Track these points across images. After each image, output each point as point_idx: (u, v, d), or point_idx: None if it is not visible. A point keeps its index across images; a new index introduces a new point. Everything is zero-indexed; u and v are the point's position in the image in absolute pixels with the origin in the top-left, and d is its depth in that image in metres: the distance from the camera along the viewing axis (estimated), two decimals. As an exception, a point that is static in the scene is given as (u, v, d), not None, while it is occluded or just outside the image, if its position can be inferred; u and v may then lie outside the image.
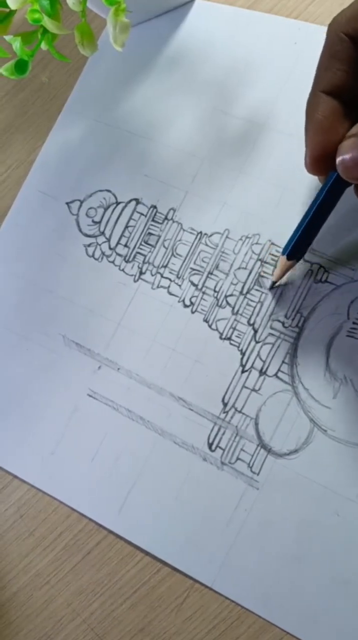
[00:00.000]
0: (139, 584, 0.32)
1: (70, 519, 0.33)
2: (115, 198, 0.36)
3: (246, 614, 0.30)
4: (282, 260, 0.31)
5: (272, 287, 0.32)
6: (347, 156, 0.25)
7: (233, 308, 0.33)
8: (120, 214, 0.36)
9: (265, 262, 0.33)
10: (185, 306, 0.34)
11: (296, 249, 0.30)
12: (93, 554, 0.33)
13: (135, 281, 0.35)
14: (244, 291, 0.33)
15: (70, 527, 0.33)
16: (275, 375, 0.31)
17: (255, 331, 0.32)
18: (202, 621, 0.30)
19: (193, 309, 0.34)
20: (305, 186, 0.33)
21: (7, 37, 0.31)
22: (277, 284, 0.32)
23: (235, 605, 0.30)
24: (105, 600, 0.32)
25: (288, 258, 0.30)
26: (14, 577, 0.34)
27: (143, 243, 0.35)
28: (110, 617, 0.32)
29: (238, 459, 0.31)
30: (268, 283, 0.32)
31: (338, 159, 0.26)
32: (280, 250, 0.32)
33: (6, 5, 0.29)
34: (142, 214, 0.36)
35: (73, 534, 0.33)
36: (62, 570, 0.33)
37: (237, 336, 0.32)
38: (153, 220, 0.35)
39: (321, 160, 0.27)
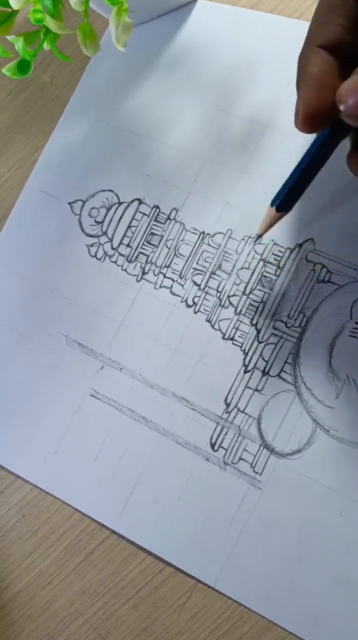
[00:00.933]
0: (141, 584, 0.32)
1: (72, 519, 0.33)
2: (118, 198, 0.36)
3: (249, 614, 0.30)
4: (270, 211, 0.30)
5: (257, 239, 0.32)
6: (351, 101, 0.23)
7: (236, 308, 0.33)
8: (123, 214, 0.36)
9: (268, 262, 0.33)
10: (188, 306, 0.34)
11: (285, 201, 0.29)
12: (95, 554, 0.33)
13: (137, 281, 0.35)
14: (247, 291, 0.33)
15: (73, 527, 0.33)
16: (278, 375, 0.31)
17: (258, 331, 0.32)
18: (205, 621, 0.30)
19: (196, 309, 0.34)
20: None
21: (10, 37, 0.31)
22: (263, 236, 0.31)
23: (237, 605, 0.30)
24: (108, 600, 0.32)
25: (277, 210, 0.29)
26: (17, 577, 0.34)
27: (145, 243, 0.35)
28: (113, 617, 0.32)
29: (240, 459, 0.31)
30: (271, 283, 0.32)
31: (342, 106, 0.23)
32: (283, 251, 0.32)
33: (8, 5, 0.29)
34: (144, 214, 0.36)
35: (75, 534, 0.33)
36: (64, 570, 0.33)
37: (239, 336, 0.32)
38: (155, 220, 0.35)
39: (314, 117, 0.25)
